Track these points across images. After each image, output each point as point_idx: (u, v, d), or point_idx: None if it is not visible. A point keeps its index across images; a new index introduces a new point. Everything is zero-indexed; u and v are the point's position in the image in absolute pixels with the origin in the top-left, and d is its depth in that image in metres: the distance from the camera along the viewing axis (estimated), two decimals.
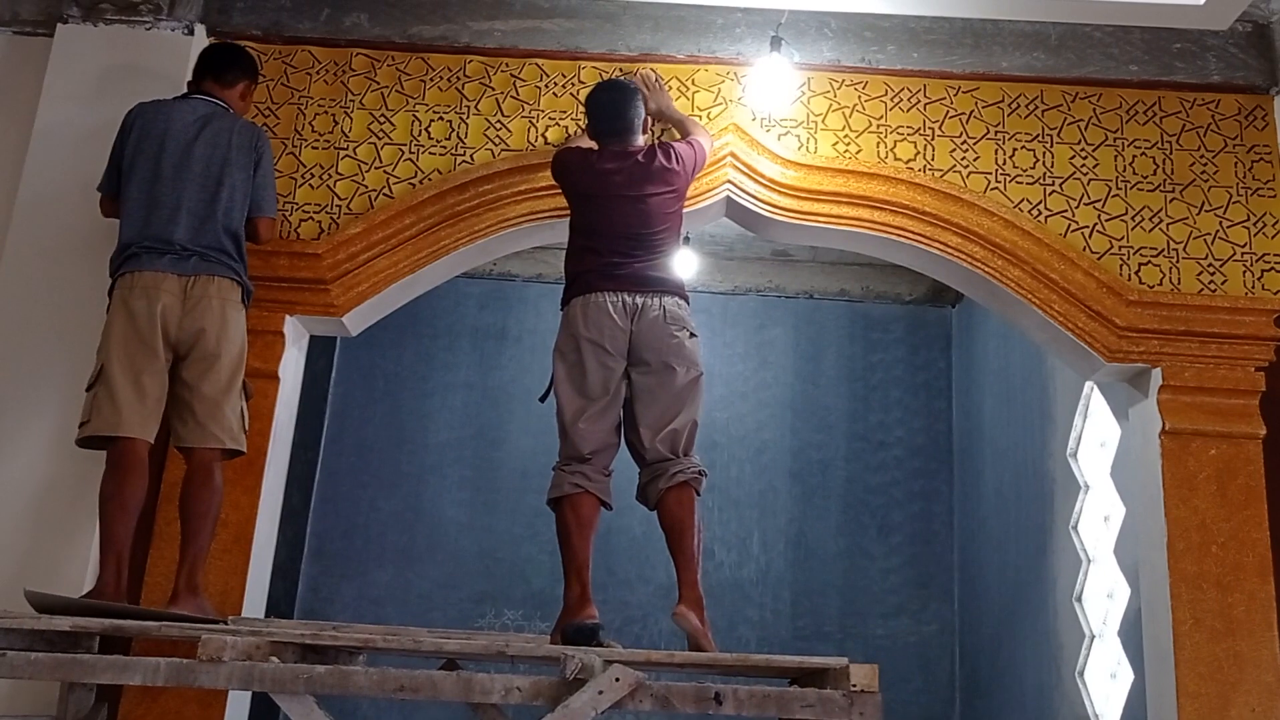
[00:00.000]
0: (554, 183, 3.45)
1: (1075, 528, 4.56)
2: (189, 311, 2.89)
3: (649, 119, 3.27)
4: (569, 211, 3.17)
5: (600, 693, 2.07)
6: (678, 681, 2.23)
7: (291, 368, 3.51)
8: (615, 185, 3.04)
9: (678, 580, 2.82)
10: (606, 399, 2.92)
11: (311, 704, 2.13)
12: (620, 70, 3.56)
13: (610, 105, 3.16)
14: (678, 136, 3.37)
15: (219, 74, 3.17)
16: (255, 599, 3.28)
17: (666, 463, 2.89)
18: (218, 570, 3.10)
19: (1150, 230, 3.48)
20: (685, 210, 3.21)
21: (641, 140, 3.18)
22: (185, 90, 3.20)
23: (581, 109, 3.58)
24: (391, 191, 3.49)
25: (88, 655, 2.46)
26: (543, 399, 3.01)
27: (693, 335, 3.00)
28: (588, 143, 3.26)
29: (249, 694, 3.25)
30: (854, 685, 2.11)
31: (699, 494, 2.92)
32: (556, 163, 3.21)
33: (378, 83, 3.60)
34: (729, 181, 3.52)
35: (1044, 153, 3.55)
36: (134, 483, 2.80)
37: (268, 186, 3.12)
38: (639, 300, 2.95)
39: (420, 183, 3.50)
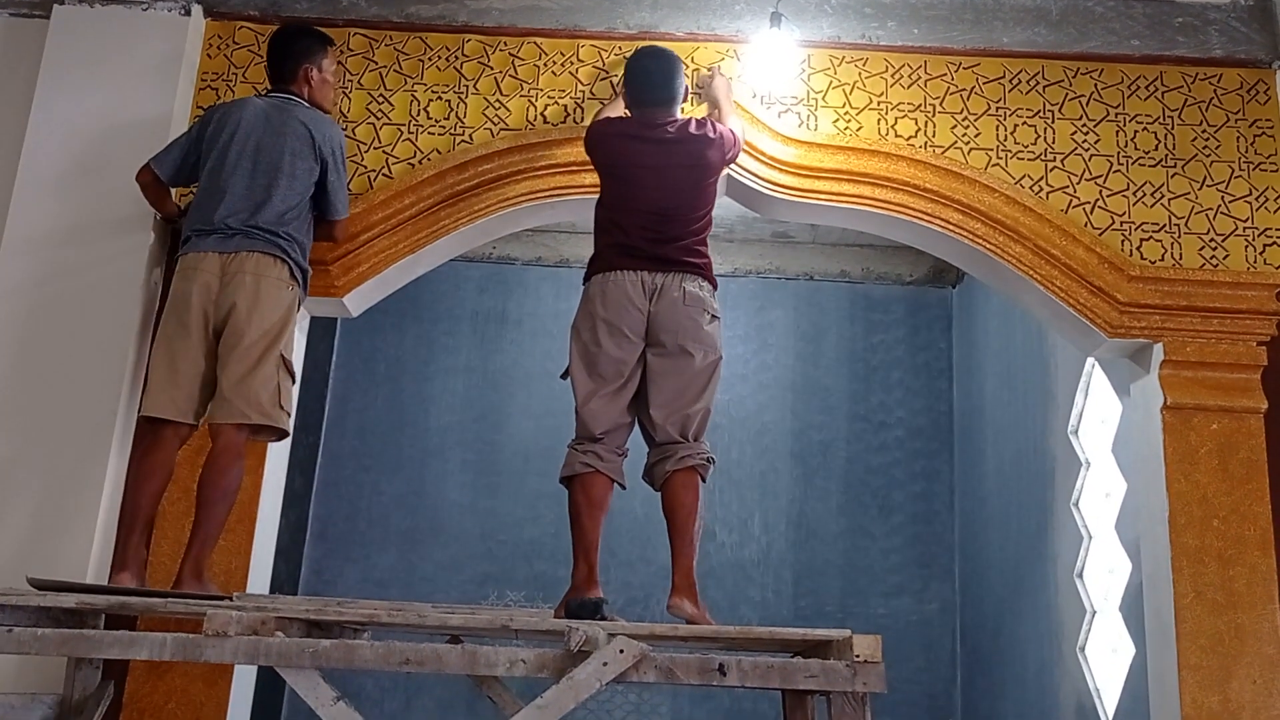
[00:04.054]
0: (554, 163, 3.45)
1: (1076, 505, 4.56)
2: (224, 287, 2.90)
3: (687, 90, 3.16)
4: (599, 187, 3.10)
5: (605, 664, 2.08)
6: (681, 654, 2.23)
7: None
8: (648, 155, 2.95)
9: (672, 566, 2.77)
10: (620, 382, 2.86)
11: (317, 678, 2.13)
12: (619, 49, 3.55)
13: (657, 73, 3.05)
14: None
15: (277, 70, 3.19)
16: (259, 578, 3.29)
17: (675, 445, 2.85)
18: (222, 550, 3.11)
19: (1152, 205, 3.48)
20: None
21: (680, 113, 3.09)
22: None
23: (581, 87, 3.56)
24: (390, 172, 3.49)
25: (94, 631, 2.46)
26: (563, 376, 2.96)
27: (714, 318, 2.92)
28: (617, 110, 3.18)
29: (254, 672, 3.27)
30: (857, 656, 2.12)
31: (705, 480, 2.87)
32: (588, 135, 3.11)
33: (375, 63, 3.59)
34: None
35: (1045, 129, 3.54)
36: (155, 462, 2.84)
37: (339, 189, 3.13)
38: (658, 280, 2.88)
39: (419, 163, 3.49)
